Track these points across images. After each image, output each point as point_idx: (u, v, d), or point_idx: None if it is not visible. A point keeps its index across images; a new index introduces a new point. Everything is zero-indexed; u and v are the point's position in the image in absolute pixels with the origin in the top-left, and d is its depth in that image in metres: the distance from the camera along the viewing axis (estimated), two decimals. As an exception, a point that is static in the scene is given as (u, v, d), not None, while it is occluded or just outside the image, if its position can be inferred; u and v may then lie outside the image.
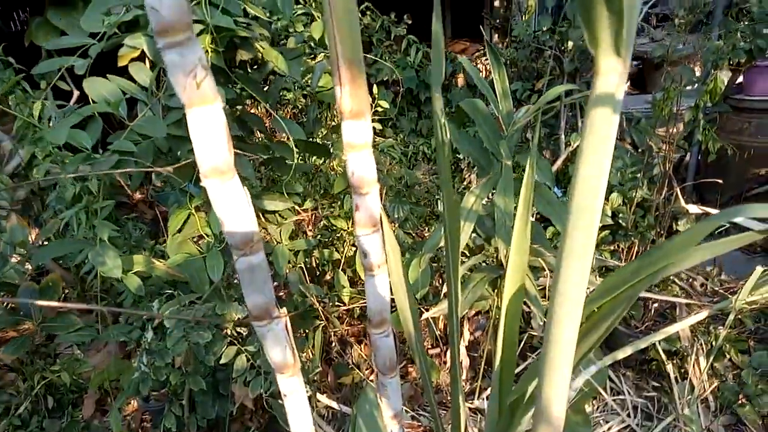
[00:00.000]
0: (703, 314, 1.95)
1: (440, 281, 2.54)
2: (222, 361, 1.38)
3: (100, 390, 2.17)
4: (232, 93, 1.45)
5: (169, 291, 1.45)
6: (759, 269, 1.46)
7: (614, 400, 2.19)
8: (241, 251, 0.54)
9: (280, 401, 1.84)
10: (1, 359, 2.35)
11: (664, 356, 2.18)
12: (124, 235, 2.12)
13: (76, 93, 1.86)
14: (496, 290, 1.96)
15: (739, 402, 1.95)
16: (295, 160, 1.66)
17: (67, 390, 2.18)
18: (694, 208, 2.46)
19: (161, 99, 1.34)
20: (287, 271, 1.82)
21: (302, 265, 2.08)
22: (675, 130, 2.64)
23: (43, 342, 2.60)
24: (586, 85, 3.25)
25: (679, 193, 2.44)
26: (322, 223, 2.33)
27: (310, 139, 2.16)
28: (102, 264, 1.33)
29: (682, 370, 2.22)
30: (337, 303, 2.32)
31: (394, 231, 1.69)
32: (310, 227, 2.24)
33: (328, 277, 2.35)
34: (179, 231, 1.59)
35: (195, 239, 1.64)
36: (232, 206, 0.52)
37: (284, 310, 0.63)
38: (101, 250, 1.36)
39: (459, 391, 1.03)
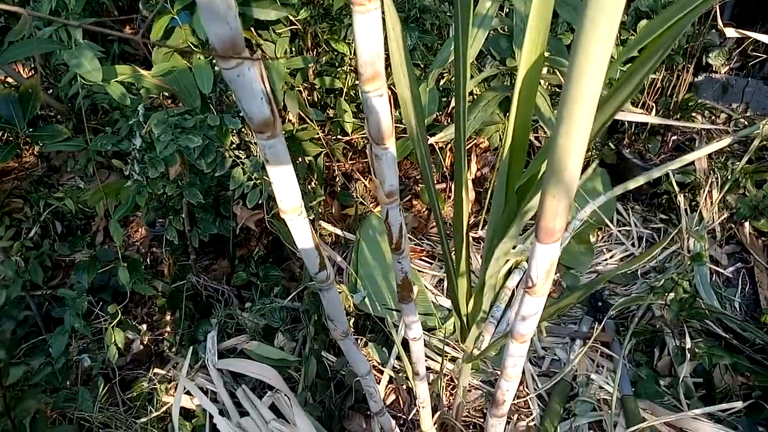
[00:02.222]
0: (726, 141, 1.84)
1: (449, 119, 2.43)
2: (218, 173, 1.32)
3: (107, 218, 2.19)
4: None
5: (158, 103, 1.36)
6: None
7: (620, 231, 2.18)
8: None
9: (280, 220, 1.84)
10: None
11: (676, 187, 2.12)
12: (110, 50, 1.98)
13: None
14: (507, 114, 1.84)
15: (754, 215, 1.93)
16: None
17: (74, 217, 2.20)
18: (731, 32, 2.24)
19: None
20: (283, 90, 1.70)
21: (301, 89, 1.96)
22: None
23: (46, 173, 2.59)
24: None
25: (718, 11, 2.20)
26: (322, 48, 2.15)
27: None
28: (79, 66, 1.22)
29: (693, 203, 2.18)
30: (339, 136, 2.23)
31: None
32: (309, 48, 2.07)
33: (330, 113, 2.23)
34: (164, 39, 1.44)
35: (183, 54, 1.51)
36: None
37: (258, 53, 0.53)
38: (77, 51, 1.24)
39: (463, 204, 0.96)
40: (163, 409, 1.54)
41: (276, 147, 0.59)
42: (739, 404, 1.44)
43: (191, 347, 1.76)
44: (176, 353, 1.81)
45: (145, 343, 1.84)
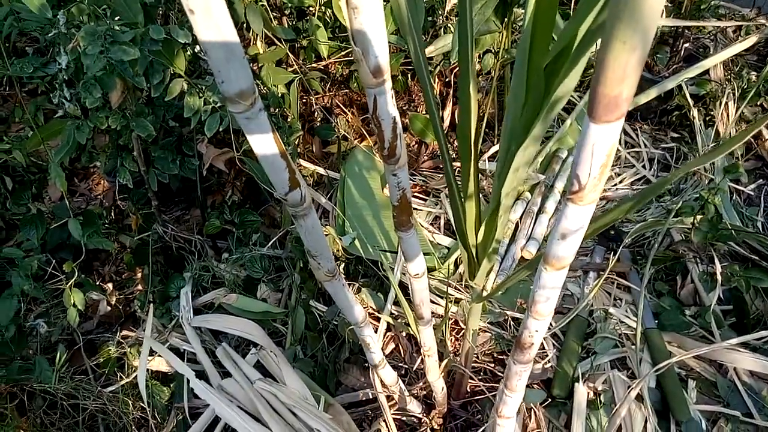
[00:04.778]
0: (752, 39, 1.63)
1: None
2: (167, 98, 1.09)
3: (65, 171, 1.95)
4: None
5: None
6: None
7: (629, 153, 1.99)
8: None
9: (253, 158, 1.62)
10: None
11: (690, 100, 1.92)
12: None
13: None
14: (504, 22, 1.61)
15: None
16: None
17: (26, 171, 1.95)
18: None
19: None
20: (244, 4, 1.45)
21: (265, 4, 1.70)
22: None
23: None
24: None
25: None
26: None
27: None
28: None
29: (708, 118, 1.99)
30: (313, 64, 1.98)
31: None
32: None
33: (304, 43, 1.96)
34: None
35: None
36: None
37: None
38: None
39: (471, 122, 0.76)
40: (135, 374, 1.37)
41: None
42: (779, 330, 1.30)
43: (164, 305, 1.58)
44: (149, 313, 1.62)
45: (113, 304, 1.64)
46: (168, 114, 1.44)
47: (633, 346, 1.38)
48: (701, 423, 1.24)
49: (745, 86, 1.97)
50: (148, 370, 1.40)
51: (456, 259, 1.68)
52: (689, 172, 1.91)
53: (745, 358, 1.27)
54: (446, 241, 1.74)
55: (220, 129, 1.19)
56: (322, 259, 0.75)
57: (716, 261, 1.42)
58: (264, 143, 0.54)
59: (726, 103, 1.93)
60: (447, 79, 2.19)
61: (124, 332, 1.50)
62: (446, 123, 2.12)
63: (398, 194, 0.70)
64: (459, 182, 0.89)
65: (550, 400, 1.33)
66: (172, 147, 1.43)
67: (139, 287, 1.74)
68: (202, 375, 1.33)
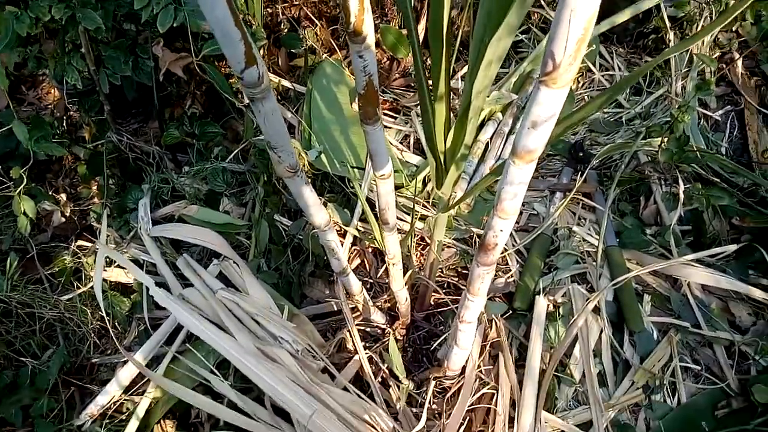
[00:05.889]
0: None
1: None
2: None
3: (11, 78, 1.81)
4: None
5: None
6: None
7: (603, 76, 1.96)
8: None
9: (215, 63, 1.53)
10: None
11: (668, 22, 1.88)
12: None
13: None
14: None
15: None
16: None
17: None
18: None
19: None
20: None
21: None
22: None
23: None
24: None
25: None
26: None
27: None
28: None
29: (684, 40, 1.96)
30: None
31: None
32: None
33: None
34: None
35: None
36: None
37: None
38: None
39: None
40: (92, 284, 1.33)
41: None
42: (732, 247, 1.34)
43: (122, 217, 1.53)
44: (103, 221, 1.56)
45: (67, 215, 1.58)
46: (119, 11, 1.33)
47: (594, 263, 1.41)
48: (653, 333, 1.29)
49: (723, 9, 1.93)
50: (106, 281, 1.37)
51: (424, 178, 1.65)
52: (661, 96, 1.90)
53: (698, 272, 1.31)
54: (415, 159, 1.71)
55: (174, 25, 1.10)
56: (283, 153, 0.72)
57: (680, 182, 1.44)
58: (215, 3, 0.48)
59: (703, 26, 1.90)
60: (421, -9, 2.09)
61: (80, 243, 1.45)
62: (421, 36, 2.04)
63: (364, 80, 0.66)
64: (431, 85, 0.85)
65: (511, 312, 1.36)
66: (125, 49, 1.33)
67: (95, 200, 1.68)
68: (162, 286, 1.30)
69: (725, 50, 1.97)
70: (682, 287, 1.37)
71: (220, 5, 0.48)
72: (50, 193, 1.61)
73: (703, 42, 1.93)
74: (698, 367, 1.27)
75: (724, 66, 1.95)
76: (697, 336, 1.30)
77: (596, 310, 1.32)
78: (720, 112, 1.83)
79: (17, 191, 1.33)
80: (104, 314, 1.24)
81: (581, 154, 1.70)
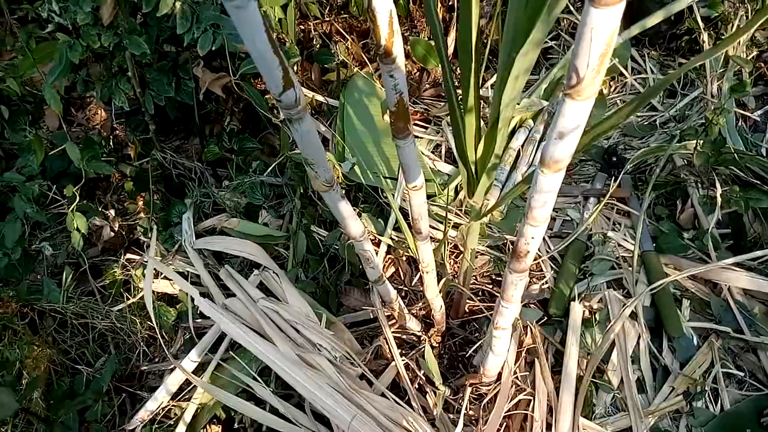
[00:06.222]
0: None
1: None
2: (158, 13, 1.06)
3: (62, 101, 1.93)
4: None
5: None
6: None
7: (635, 80, 1.95)
8: None
9: (251, 81, 1.59)
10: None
11: (701, 23, 1.86)
12: None
13: None
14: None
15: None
16: None
17: (22, 100, 1.93)
18: None
19: None
20: None
21: None
22: None
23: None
24: None
25: None
26: None
27: None
28: None
29: (719, 43, 1.92)
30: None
31: None
32: None
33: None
34: None
35: None
36: None
37: None
38: None
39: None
40: (141, 294, 1.40)
41: None
42: (774, 250, 1.31)
43: (167, 231, 1.60)
44: (152, 235, 1.64)
45: (116, 230, 1.66)
46: (162, 35, 1.40)
47: (630, 268, 1.40)
48: (693, 339, 1.28)
49: (759, 8, 1.89)
50: (153, 292, 1.44)
51: (456, 186, 1.68)
52: (696, 98, 1.87)
53: (739, 276, 1.29)
54: (447, 168, 1.73)
55: (213, 48, 1.16)
56: (319, 168, 0.75)
57: (717, 185, 1.42)
58: (254, 35, 0.52)
59: (738, 26, 1.87)
60: (450, 2, 2.12)
61: (129, 256, 1.52)
62: (450, 50, 2.07)
63: (395, 98, 0.69)
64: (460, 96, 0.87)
65: (546, 318, 1.36)
66: (168, 71, 1.41)
67: (141, 215, 1.76)
68: (206, 296, 1.36)
69: (763, 48, 1.93)
70: (722, 292, 1.35)
71: (261, 38, 0.52)
72: (99, 209, 1.70)
73: (739, 42, 1.89)
74: (741, 374, 1.25)
75: (762, 65, 1.91)
76: (740, 341, 1.28)
77: (633, 315, 1.31)
78: (759, 112, 1.80)
79: (71, 209, 1.41)
80: (154, 324, 1.30)
81: (615, 159, 1.69)
